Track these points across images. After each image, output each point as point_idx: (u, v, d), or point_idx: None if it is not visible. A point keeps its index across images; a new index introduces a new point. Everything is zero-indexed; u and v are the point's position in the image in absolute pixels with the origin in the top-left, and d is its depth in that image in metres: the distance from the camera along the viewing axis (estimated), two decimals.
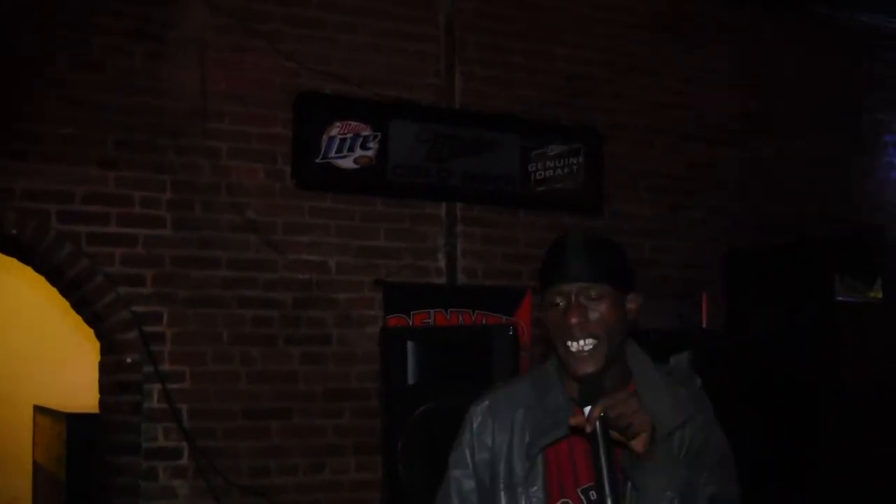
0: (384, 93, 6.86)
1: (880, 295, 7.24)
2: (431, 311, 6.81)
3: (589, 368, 2.93)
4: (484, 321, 6.91)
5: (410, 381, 6.08)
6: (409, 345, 6.12)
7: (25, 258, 6.21)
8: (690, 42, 7.95)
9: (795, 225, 7.88)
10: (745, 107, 8.04)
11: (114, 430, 6.25)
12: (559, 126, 7.35)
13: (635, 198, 7.63)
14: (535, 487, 3.01)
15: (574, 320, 2.93)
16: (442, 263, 7.00)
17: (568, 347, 2.95)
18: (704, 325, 7.47)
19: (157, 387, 6.21)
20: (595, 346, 2.94)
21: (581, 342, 2.94)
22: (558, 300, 2.98)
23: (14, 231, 5.94)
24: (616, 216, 7.51)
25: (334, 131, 6.58)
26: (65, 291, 6.30)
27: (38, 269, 6.27)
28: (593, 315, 2.95)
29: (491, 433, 3.13)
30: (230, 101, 6.50)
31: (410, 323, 6.71)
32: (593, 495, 2.95)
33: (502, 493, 3.06)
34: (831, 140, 8.38)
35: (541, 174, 7.19)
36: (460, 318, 6.87)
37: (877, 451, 6.59)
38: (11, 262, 6.43)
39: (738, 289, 7.65)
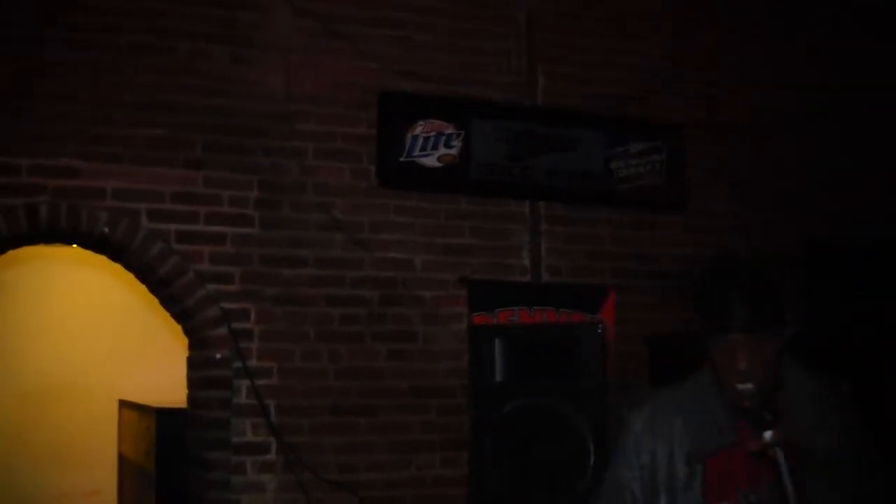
0: (466, 91, 6.89)
1: None
2: (516, 308, 6.82)
3: (755, 403, 3.05)
4: (568, 319, 6.90)
5: (498, 378, 6.12)
6: (497, 342, 6.16)
7: (116, 256, 6.30)
8: (762, 34, 7.91)
9: (876, 219, 7.81)
10: (822, 99, 7.90)
11: (203, 425, 6.33)
12: (640, 122, 7.31)
13: (716, 194, 7.57)
14: (695, 492, 3.24)
15: (742, 366, 3.09)
16: (526, 261, 7.00)
17: (734, 387, 3.12)
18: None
19: (245, 383, 6.28)
20: (761, 387, 3.08)
21: (749, 385, 3.08)
22: (726, 345, 3.13)
23: (106, 229, 6.05)
24: (697, 213, 7.47)
25: (418, 130, 6.59)
26: (154, 288, 6.39)
27: (127, 267, 6.37)
28: (759, 359, 3.11)
29: (651, 439, 3.34)
30: (315, 102, 6.57)
31: (495, 320, 6.74)
32: (753, 498, 3.15)
33: (662, 497, 3.30)
34: None
35: (623, 171, 7.16)
36: (544, 316, 6.87)
37: None
38: (100, 260, 6.53)
39: (818, 285, 7.55)
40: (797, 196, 7.79)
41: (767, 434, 2.92)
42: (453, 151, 6.68)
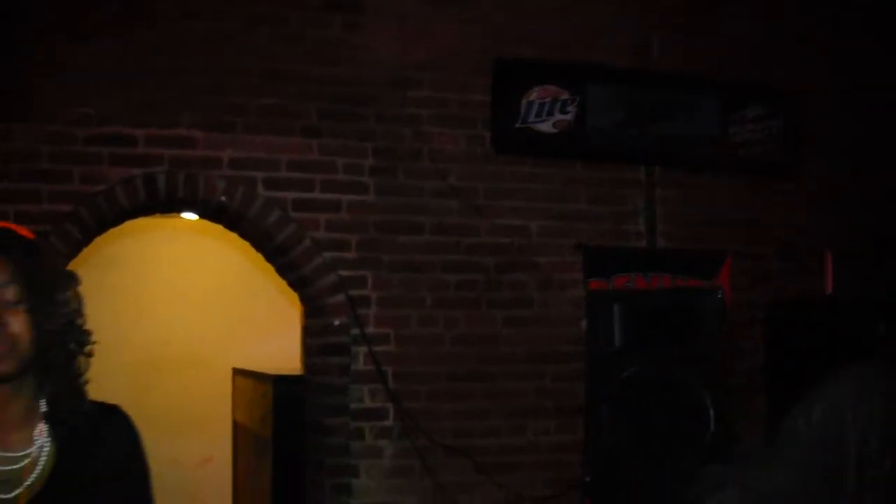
0: (580, 57, 6.82)
1: None
2: (632, 274, 6.78)
3: None
4: (684, 285, 6.84)
5: (616, 344, 6.10)
6: (615, 308, 6.16)
7: (233, 224, 6.37)
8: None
9: None
10: None
11: (321, 391, 6.40)
12: (757, 87, 7.19)
13: (834, 162, 7.43)
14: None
15: None
16: (642, 227, 6.94)
17: None
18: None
19: (363, 349, 6.32)
20: None
21: None
22: None
23: (223, 198, 6.11)
24: (815, 179, 7.34)
25: (533, 96, 6.54)
26: (271, 256, 6.45)
27: (244, 235, 6.43)
28: None
29: (843, 417, 3.05)
30: (428, 69, 6.56)
31: (611, 287, 6.70)
32: None
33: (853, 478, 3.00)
34: None
35: (739, 136, 7.05)
36: (660, 282, 6.82)
37: None
38: (217, 229, 6.61)
39: None
40: None
41: None
42: (568, 117, 6.63)
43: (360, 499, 6.31)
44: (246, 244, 6.58)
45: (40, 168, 5.77)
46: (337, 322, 6.29)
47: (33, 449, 2.53)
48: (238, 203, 6.13)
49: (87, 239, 5.97)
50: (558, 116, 6.59)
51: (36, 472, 2.50)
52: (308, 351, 6.59)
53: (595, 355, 6.24)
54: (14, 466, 2.49)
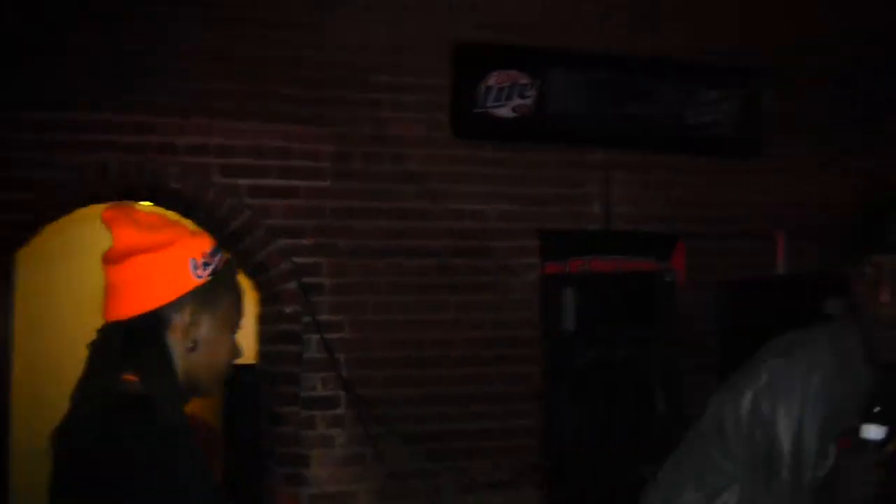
0: (540, 41, 6.76)
1: None
2: (588, 257, 6.77)
3: None
4: (640, 268, 6.84)
5: (570, 327, 6.10)
6: (568, 291, 6.14)
7: (188, 211, 6.25)
8: None
9: None
10: None
11: (274, 379, 6.35)
12: (717, 69, 7.23)
13: (791, 140, 7.42)
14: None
15: None
16: (598, 210, 6.93)
17: (886, 331, 2.55)
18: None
19: (315, 337, 6.26)
20: None
21: None
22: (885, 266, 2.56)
23: (178, 185, 6.02)
24: (771, 159, 7.33)
25: (492, 80, 6.50)
26: (226, 243, 6.35)
27: (199, 223, 6.30)
28: None
29: (771, 404, 2.72)
30: (389, 54, 6.50)
31: (567, 270, 6.69)
32: None
33: (784, 472, 2.68)
34: None
35: (696, 119, 7.07)
36: (616, 265, 6.82)
37: None
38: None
39: None
40: (878, 146, 7.62)
41: (871, 430, 2.44)
42: (528, 102, 6.60)
43: (312, 488, 6.25)
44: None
45: None
46: (289, 309, 6.24)
47: None
48: (192, 190, 6.05)
49: (38, 226, 5.88)
50: (517, 101, 6.57)
51: None
52: (262, 339, 6.52)
53: (550, 339, 6.24)
54: None
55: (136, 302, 2.41)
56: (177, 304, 2.42)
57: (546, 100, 6.67)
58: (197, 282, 2.44)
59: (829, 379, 2.68)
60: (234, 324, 2.57)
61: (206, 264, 2.46)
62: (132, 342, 2.39)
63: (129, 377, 2.39)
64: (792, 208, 7.37)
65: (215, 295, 2.49)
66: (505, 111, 6.55)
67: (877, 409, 2.46)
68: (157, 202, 6.28)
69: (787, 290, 6.71)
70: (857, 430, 2.48)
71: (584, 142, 6.89)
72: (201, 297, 2.45)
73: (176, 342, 2.45)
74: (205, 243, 2.50)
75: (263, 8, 6.26)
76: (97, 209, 6.49)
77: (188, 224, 2.60)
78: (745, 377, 2.82)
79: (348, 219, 6.36)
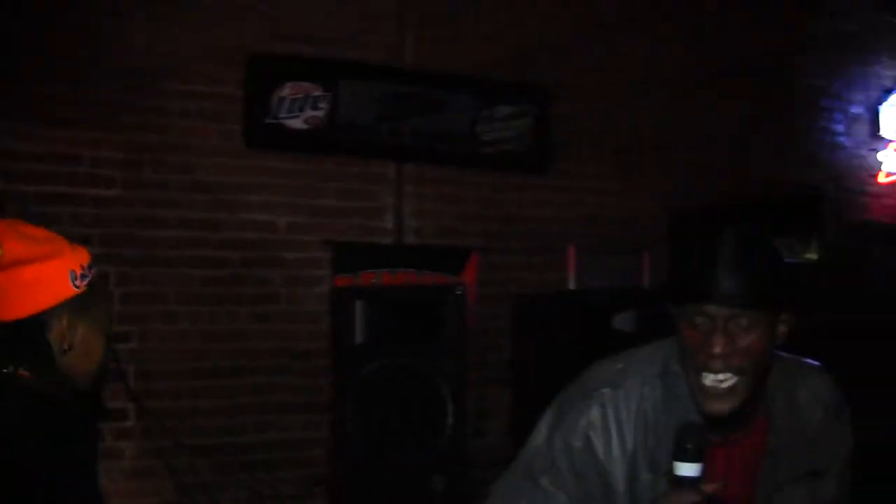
0: (335, 53, 6.81)
1: (815, 256, 7.35)
2: (379, 271, 6.81)
3: (724, 407, 2.53)
4: (431, 281, 6.91)
5: (358, 340, 6.14)
6: (358, 304, 6.17)
7: None
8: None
9: (740, 184, 7.98)
10: (689, 66, 7.99)
11: None
12: (509, 86, 7.34)
13: (582, 157, 7.66)
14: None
15: (717, 350, 2.48)
16: (390, 223, 7.00)
17: (701, 380, 2.52)
18: (645, 285, 7.58)
19: None
20: (735, 384, 2.51)
21: (720, 376, 2.50)
22: (699, 320, 2.51)
23: None
24: (563, 175, 7.55)
25: (285, 92, 6.53)
26: None
27: None
28: (741, 344, 2.49)
29: (604, 438, 2.70)
30: (182, 61, 6.42)
31: (357, 283, 6.72)
32: None
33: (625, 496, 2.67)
34: (771, 101, 8.46)
35: (489, 134, 7.20)
36: (407, 279, 6.87)
37: None
38: None
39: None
40: (666, 162, 7.90)
41: (685, 468, 2.41)
42: (320, 113, 6.63)
43: None
44: None
45: None
46: None
47: None
48: None
49: None
50: (310, 112, 6.59)
51: None
52: None
53: (339, 351, 6.26)
54: None
55: (20, 306, 2.64)
56: (57, 310, 2.67)
57: (338, 112, 6.71)
58: (75, 291, 2.70)
59: (658, 409, 2.67)
60: (105, 328, 2.83)
61: (83, 276, 2.73)
62: (18, 341, 2.64)
63: (23, 373, 2.63)
64: (582, 222, 7.57)
65: (90, 303, 2.75)
66: (298, 122, 6.58)
67: (688, 445, 2.41)
68: None
69: (578, 304, 6.84)
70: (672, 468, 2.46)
71: (377, 154, 6.95)
72: (78, 305, 2.71)
73: (54, 343, 2.67)
74: (83, 257, 2.78)
75: (58, 9, 6.12)
76: None
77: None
78: (574, 408, 2.75)
79: (137, 228, 6.28)
